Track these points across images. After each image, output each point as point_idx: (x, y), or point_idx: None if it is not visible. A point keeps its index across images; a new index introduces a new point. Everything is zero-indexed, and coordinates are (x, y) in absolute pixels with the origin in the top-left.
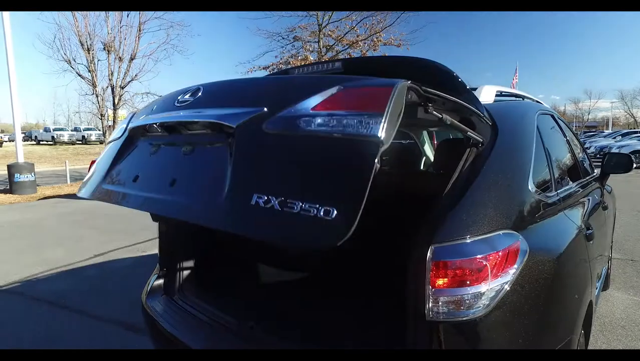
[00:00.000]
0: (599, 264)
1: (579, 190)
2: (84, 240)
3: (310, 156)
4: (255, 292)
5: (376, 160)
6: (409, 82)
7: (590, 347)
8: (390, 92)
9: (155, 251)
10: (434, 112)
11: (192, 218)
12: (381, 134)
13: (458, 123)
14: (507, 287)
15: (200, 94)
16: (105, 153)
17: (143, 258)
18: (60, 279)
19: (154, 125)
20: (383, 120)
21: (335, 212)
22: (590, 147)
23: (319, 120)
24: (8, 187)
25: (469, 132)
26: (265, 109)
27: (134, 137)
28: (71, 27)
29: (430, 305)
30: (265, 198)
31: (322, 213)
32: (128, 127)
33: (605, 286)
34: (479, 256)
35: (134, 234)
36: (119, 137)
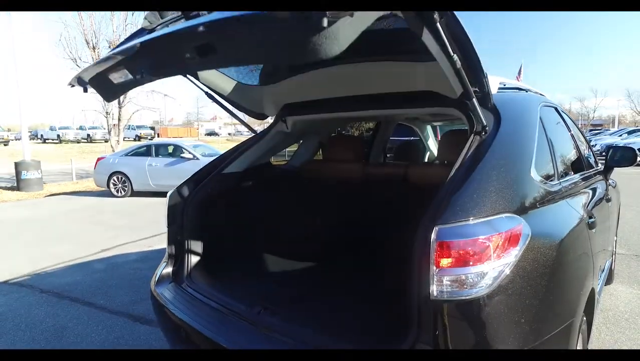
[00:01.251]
0: (602, 256)
1: (581, 181)
2: (90, 235)
3: None
4: (263, 279)
5: None
6: None
7: (593, 338)
8: None
9: (161, 246)
10: (444, 36)
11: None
12: None
13: (466, 78)
14: (509, 268)
15: None
16: None
17: (149, 253)
18: (68, 273)
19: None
20: None
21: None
22: (595, 145)
23: None
24: (15, 184)
25: (473, 100)
26: None
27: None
28: (76, 25)
29: (435, 284)
30: None
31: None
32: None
33: (609, 280)
34: (481, 237)
35: (140, 229)
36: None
